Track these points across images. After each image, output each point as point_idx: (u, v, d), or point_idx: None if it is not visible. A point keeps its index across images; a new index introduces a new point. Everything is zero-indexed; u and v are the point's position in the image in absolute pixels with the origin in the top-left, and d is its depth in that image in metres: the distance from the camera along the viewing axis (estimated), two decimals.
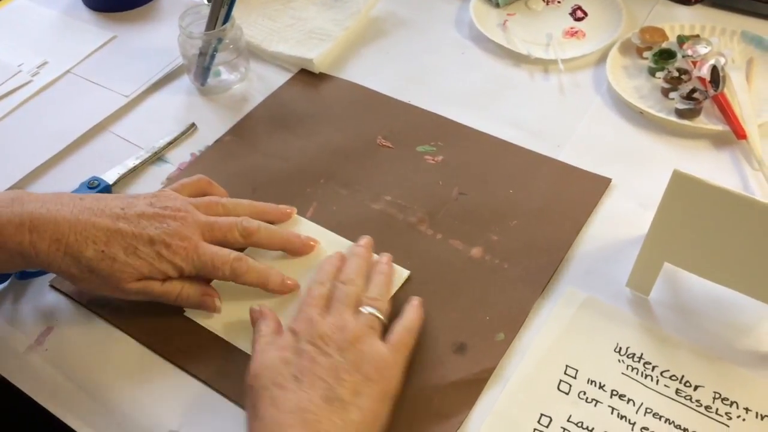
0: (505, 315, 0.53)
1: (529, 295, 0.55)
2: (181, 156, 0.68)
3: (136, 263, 0.50)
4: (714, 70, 0.66)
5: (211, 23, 0.71)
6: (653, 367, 0.49)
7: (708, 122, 0.66)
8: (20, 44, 0.81)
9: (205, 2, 0.82)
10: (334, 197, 0.63)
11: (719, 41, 0.73)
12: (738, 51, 0.73)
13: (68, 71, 0.77)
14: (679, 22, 0.77)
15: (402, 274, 0.56)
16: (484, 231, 0.60)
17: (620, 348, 0.51)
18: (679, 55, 0.71)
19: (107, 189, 0.63)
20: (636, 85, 0.71)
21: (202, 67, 0.73)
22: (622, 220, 0.60)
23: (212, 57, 0.72)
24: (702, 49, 0.70)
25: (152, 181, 0.66)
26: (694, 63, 0.69)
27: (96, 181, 0.63)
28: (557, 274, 0.56)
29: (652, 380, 0.49)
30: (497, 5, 0.83)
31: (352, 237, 0.58)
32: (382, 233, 0.60)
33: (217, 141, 0.69)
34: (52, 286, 0.57)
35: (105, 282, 0.50)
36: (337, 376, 0.44)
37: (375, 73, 0.76)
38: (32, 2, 0.88)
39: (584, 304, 0.53)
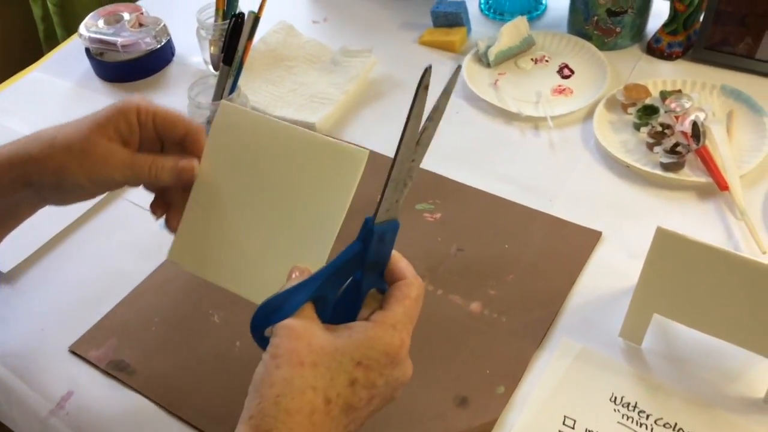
0: (504, 368, 0.56)
1: (527, 347, 0.57)
2: None
3: None
4: (694, 125, 0.70)
5: (218, 93, 0.75)
6: (647, 416, 0.52)
7: (692, 174, 0.69)
8: (37, 115, 0.85)
9: (213, 72, 0.87)
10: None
11: (699, 96, 0.77)
12: (718, 104, 0.77)
13: None
14: (661, 77, 0.81)
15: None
16: (482, 286, 0.62)
17: (615, 397, 0.53)
18: (662, 111, 0.75)
19: None
20: (622, 140, 0.75)
21: None
22: (613, 271, 0.62)
23: None
24: (684, 104, 0.74)
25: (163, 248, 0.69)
26: (677, 117, 0.73)
27: None
28: (553, 325, 0.59)
29: (647, 429, 0.51)
30: (488, 65, 0.87)
31: None
32: None
33: None
34: (71, 352, 0.60)
35: None
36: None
37: (374, 134, 0.80)
38: (47, 74, 0.93)
39: (579, 354, 0.56)
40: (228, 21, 0.75)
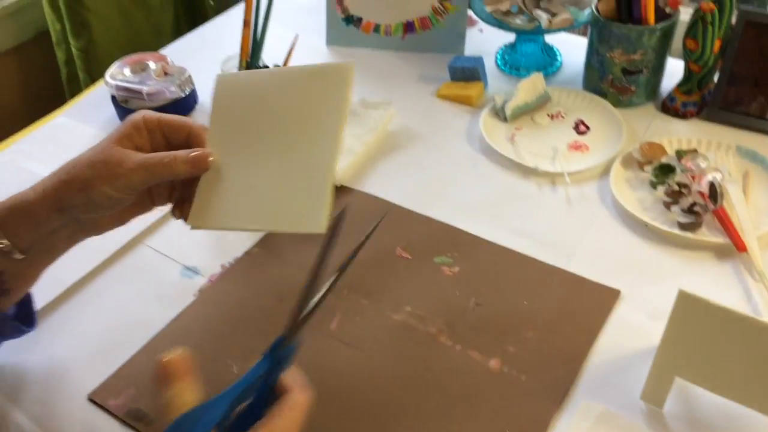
0: (524, 429, 0.56)
1: (548, 408, 0.57)
2: (212, 268, 0.72)
3: None
4: (712, 186, 0.71)
5: None
6: None
7: (710, 235, 0.70)
8: (61, 161, 0.86)
9: None
10: (357, 308, 0.67)
11: (715, 156, 0.78)
12: (734, 164, 0.78)
13: None
14: (676, 136, 0.82)
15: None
16: (501, 342, 0.63)
17: None
18: (678, 170, 0.76)
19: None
20: (639, 197, 0.76)
21: None
22: (632, 331, 0.62)
23: None
24: (700, 164, 0.75)
25: (184, 296, 0.69)
26: (694, 177, 0.74)
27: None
28: (573, 385, 0.59)
29: None
30: (505, 120, 0.89)
31: (375, 349, 0.62)
32: (404, 345, 0.63)
33: (246, 253, 0.74)
34: (90, 400, 0.60)
35: None
36: None
37: (392, 185, 0.81)
38: (72, 120, 0.95)
39: (600, 418, 0.56)
40: None
